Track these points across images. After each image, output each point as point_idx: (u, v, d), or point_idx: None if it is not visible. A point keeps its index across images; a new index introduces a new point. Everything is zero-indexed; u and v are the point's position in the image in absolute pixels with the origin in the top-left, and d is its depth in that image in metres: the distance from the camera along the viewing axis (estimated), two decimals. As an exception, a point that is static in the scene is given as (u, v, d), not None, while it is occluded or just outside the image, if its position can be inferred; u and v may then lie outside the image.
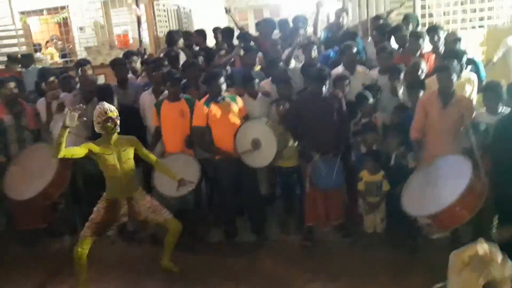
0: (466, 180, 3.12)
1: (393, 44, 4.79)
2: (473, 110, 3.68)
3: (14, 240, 4.51)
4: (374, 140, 3.92)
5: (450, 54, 4.00)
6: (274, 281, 3.64)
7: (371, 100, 4.02)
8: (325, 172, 3.83)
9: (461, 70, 3.89)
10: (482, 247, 1.49)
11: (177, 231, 3.66)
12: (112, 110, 3.42)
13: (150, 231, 4.46)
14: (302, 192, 4.18)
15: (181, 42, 5.74)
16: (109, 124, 3.39)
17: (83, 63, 5.20)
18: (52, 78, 4.75)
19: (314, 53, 4.63)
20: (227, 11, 5.95)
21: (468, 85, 4.00)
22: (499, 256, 1.49)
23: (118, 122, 3.44)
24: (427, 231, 3.69)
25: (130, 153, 3.55)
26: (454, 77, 3.55)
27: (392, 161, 3.89)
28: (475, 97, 4.02)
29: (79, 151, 3.34)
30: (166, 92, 4.36)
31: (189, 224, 4.39)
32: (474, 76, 4.07)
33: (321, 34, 5.45)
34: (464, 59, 4.02)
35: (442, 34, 4.53)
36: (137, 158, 4.20)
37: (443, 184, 3.33)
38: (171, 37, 5.74)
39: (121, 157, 3.49)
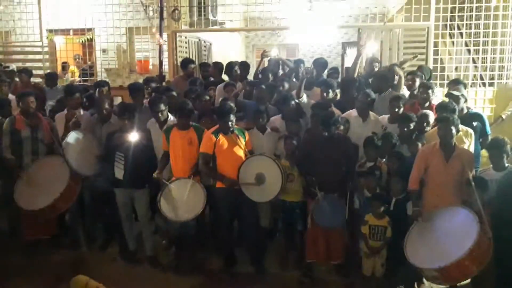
0: (474, 234, 3.15)
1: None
2: (473, 163, 3.74)
3: (16, 249, 4.56)
4: (377, 184, 4.00)
5: (444, 107, 4.10)
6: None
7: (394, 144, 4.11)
8: (328, 211, 3.90)
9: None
10: None
11: None
12: None
13: (150, 252, 4.52)
14: (304, 228, 4.22)
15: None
16: None
17: (102, 84, 5.39)
18: (77, 95, 4.94)
19: (331, 94, 4.81)
20: (264, 55, 6.18)
21: (465, 138, 4.09)
22: None
23: None
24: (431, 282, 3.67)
25: None
26: (453, 129, 3.62)
27: (392, 207, 3.95)
28: (472, 150, 4.08)
29: None
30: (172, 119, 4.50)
31: (189, 248, 4.46)
32: (471, 130, 4.17)
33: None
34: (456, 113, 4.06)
35: (463, 90, 4.68)
36: (146, 180, 4.30)
37: (450, 237, 3.35)
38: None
39: None
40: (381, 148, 4.14)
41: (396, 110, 4.41)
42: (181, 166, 4.26)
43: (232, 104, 4.41)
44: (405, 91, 5.06)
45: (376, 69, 5.42)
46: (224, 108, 4.19)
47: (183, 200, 4.08)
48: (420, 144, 3.99)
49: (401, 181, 3.86)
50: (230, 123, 4.09)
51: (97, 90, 5.19)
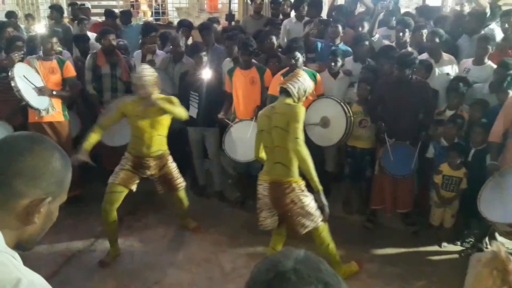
0: None
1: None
2: None
3: (99, 177, 4.94)
4: (457, 133, 3.77)
5: None
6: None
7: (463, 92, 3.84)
8: (397, 159, 3.77)
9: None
10: (500, 247, 1.46)
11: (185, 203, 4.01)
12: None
13: (218, 188, 4.72)
14: (372, 175, 4.15)
15: None
16: None
17: (187, 24, 5.40)
18: (153, 33, 5.01)
19: (406, 36, 4.50)
20: None
21: None
22: None
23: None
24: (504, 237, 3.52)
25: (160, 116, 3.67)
26: None
27: (470, 158, 3.74)
28: None
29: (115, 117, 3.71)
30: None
31: (253, 187, 4.58)
32: None
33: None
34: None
35: None
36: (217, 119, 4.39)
37: None
38: None
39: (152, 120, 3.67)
40: (464, 94, 3.86)
41: (483, 51, 4.04)
42: (244, 106, 4.27)
43: (301, 40, 4.25)
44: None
45: (466, 8, 4.91)
46: (292, 43, 4.09)
47: (245, 141, 4.12)
48: (511, 93, 3.66)
49: (484, 131, 3.60)
50: (296, 59, 3.96)
51: (179, 31, 5.24)
